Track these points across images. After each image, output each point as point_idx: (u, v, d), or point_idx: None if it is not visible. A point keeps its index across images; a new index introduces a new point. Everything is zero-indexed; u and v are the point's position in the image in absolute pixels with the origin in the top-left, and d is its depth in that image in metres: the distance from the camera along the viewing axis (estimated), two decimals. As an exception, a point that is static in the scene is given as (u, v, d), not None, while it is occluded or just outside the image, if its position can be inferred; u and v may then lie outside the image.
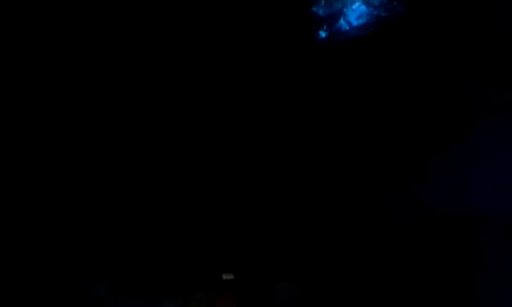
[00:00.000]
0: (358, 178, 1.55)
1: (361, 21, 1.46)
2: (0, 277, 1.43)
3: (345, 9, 1.47)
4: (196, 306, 1.51)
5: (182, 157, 1.53)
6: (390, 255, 1.50)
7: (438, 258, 1.46)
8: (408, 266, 1.48)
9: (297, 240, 1.56)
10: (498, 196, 1.40)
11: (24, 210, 1.49)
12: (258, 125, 1.55)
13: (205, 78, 1.51)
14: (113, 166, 1.53)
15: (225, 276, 1.54)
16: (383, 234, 1.51)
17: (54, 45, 1.48)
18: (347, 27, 1.47)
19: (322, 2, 1.46)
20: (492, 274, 1.37)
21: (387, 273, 1.49)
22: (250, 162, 1.55)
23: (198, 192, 1.54)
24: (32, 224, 1.50)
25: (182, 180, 1.54)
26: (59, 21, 1.46)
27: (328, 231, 1.54)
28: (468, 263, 1.41)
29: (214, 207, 1.54)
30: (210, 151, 1.54)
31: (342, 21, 1.47)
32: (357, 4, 1.46)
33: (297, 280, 1.53)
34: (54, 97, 1.50)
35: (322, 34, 1.48)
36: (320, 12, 1.47)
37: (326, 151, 1.54)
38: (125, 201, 1.53)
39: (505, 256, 1.36)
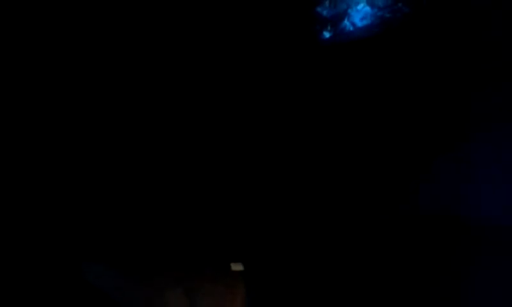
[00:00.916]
0: (358, 178, 1.58)
1: (365, 22, 1.46)
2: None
3: (349, 10, 1.46)
4: (203, 298, 1.54)
5: (187, 149, 1.55)
6: (389, 257, 1.54)
7: (433, 262, 1.50)
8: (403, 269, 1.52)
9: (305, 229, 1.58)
10: (498, 198, 1.43)
11: (24, 203, 1.51)
12: (264, 124, 1.56)
13: (208, 78, 1.52)
14: (117, 157, 1.54)
15: (234, 267, 1.55)
16: (382, 235, 1.55)
17: (54, 45, 1.47)
18: (352, 28, 1.47)
19: (327, 2, 1.46)
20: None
21: (385, 273, 1.53)
22: (257, 159, 1.57)
23: (205, 182, 1.56)
24: (32, 217, 1.52)
25: (189, 170, 1.56)
26: (59, 21, 1.45)
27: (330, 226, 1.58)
28: (464, 268, 1.45)
29: (222, 195, 1.56)
30: (218, 146, 1.56)
31: (346, 22, 1.47)
32: (361, 5, 1.45)
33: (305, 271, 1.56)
34: (54, 97, 1.50)
35: (327, 34, 1.48)
36: (325, 13, 1.46)
37: (328, 151, 1.57)
38: (130, 188, 1.55)
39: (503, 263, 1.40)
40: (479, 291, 1.39)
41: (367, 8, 1.45)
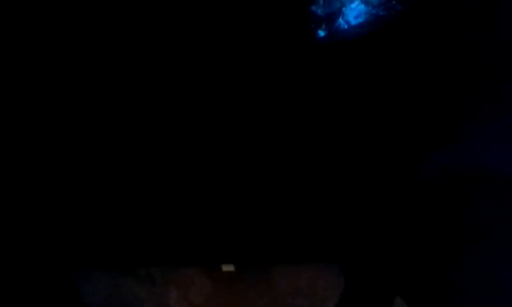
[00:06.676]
0: (354, 179, 1.56)
1: (360, 20, 1.46)
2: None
3: (344, 9, 1.46)
4: (194, 300, 1.52)
5: (180, 153, 1.55)
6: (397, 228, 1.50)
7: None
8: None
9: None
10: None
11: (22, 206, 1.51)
12: (258, 123, 1.56)
13: (201, 77, 1.52)
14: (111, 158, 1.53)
15: (225, 268, 1.54)
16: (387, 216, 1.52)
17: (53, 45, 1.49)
18: (346, 27, 1.47)
19: (321, 1, 1.46)
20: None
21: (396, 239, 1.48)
22: (251, 159, 1.56)
23: (195, 180, 1.54)
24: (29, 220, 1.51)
25: (180, 170, 1.55)
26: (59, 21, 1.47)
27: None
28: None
29: (212, 193, 1.54)
30: (208, 148, 1.55)
31: (340, 20, 1.47)
32: (356, 3, 1.46)
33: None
34: (54, 97, 1.51)
35: (321, 33, 1.48)
36: (319, 11, 1.47)
37: (323, 149, 1.56)
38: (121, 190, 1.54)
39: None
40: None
41: (361, 6, 1.45)
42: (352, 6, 1.45)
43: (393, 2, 1.42)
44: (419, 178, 1.45)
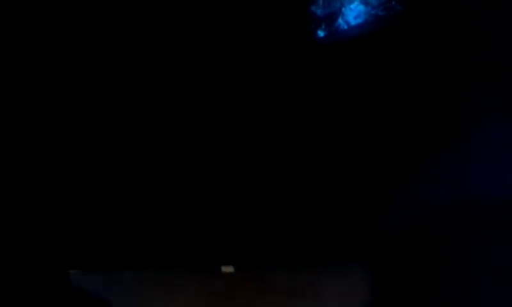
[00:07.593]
0: (357, 176, 1.56)
1: (359, 20, 1.46)
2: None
3: (343, 9, 1.47)
4: (192, 302, 1.52)
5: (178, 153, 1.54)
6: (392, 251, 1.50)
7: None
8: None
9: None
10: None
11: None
12: (258, 123, 1.55)
13: (200, 77, 1.52)
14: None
15: (224, 269, 1.54)
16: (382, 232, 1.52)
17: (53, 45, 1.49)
18: (346, 27, 1.47)
19: (321, 1, 1.46)
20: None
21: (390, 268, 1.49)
22: (251, 160, 1.56)
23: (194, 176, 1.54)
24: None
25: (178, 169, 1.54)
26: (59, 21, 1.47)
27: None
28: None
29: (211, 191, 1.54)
30: (207, 149, 1.55)
31: (340, 20, 1.47)
32: (355, 3, 1.46)
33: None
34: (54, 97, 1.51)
35: (321, 33, 1.48)
36: (319, 12, 1.47)
37: (323, 150, 1.55)
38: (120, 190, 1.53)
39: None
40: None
41: (361, 7, 1.46)
42: (352, 6, 1.46)
43: (393, 2, 1.43)
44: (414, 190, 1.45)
